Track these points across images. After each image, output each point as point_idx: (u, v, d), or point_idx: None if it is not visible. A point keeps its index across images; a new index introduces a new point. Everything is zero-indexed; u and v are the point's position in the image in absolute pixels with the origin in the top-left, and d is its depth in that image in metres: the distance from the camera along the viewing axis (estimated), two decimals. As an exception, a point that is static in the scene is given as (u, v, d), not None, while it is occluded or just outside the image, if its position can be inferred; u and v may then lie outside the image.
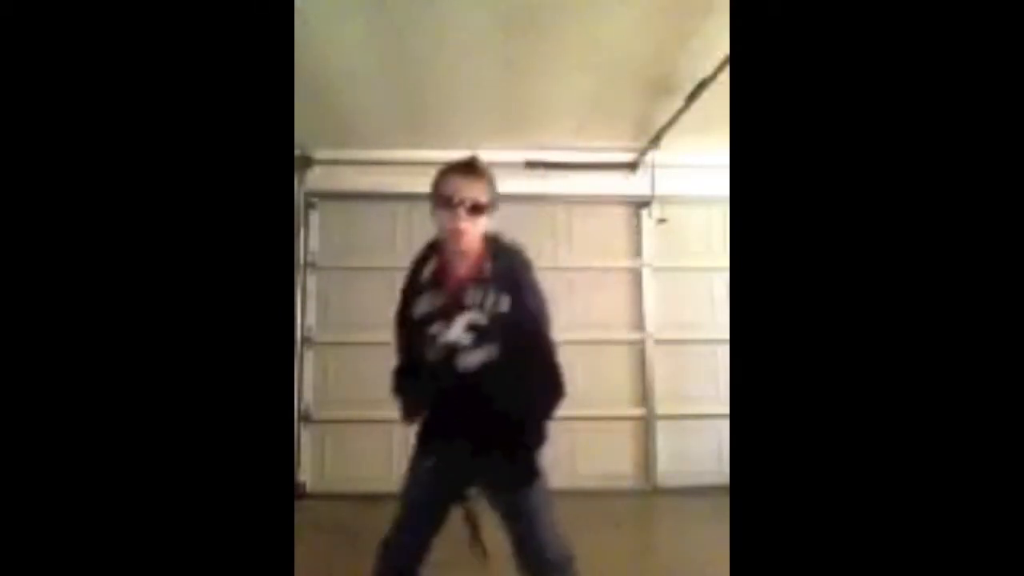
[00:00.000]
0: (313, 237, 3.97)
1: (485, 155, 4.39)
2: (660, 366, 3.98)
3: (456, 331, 1.38)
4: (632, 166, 3.96)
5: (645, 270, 4.06)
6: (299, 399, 3.81)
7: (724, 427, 3.60)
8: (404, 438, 3.87)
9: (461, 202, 1.36)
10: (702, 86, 2.83)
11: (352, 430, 3.83)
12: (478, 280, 1.39)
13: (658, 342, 3.99)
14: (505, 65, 2.89)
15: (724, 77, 2.64)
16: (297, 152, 3.80)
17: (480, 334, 1.37)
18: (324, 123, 3.52)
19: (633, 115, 3.47)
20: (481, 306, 1.38)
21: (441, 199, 1.39)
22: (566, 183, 3.97)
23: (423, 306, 1.43)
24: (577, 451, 3.78)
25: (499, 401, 1.37)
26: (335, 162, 3.91)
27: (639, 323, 4.00)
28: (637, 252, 4.07)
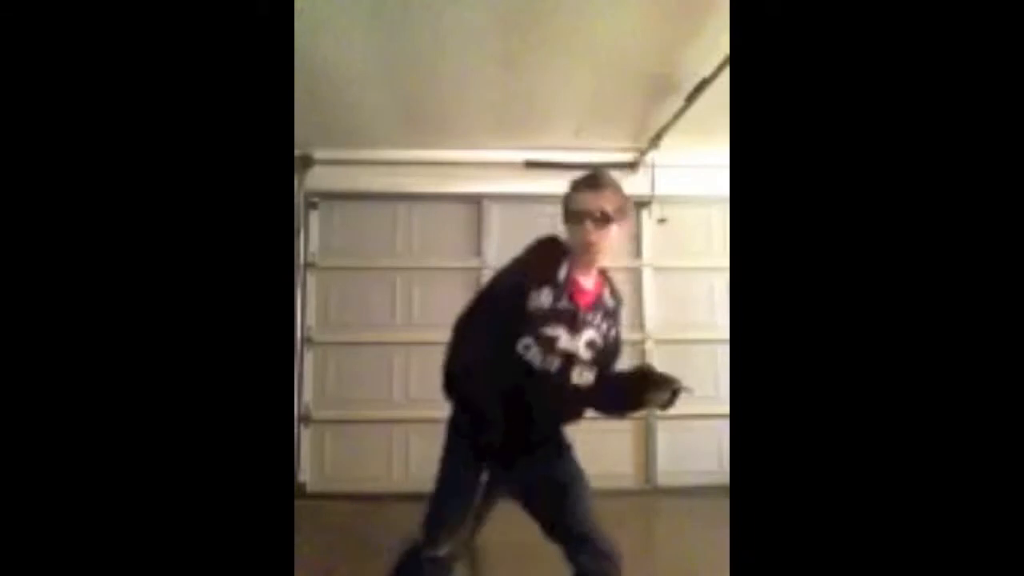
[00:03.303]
0: (313, 237, 3.97)
1: (485, 155, 4.36)
2: (660, 366, 3.96)
3: (580, 344, 1.39)
4: (632, 166, 3.96)
5: (645, 270, 4.06)
6: (299, 399, 3.81)
7: (724, 427, 3.60)
8: (404, 438, 3.90)
9: (588, 214, 1.39)
10: (702, 86, 2.83)
11: (352, 430, 3.82)
12: (601, 304, 1.45)
13: (658, 342, 3.99)
14: (505, 65, 2.88)
15: (724, 77, 2.64)
16: (297, 152, 3.80)
17: (596, 358, 1.42)
18: (324, 123, 3.51)
19: (633, 115, 3.47)
20: (599, 329, 1.43)
21: (569, 214, 1.44)
22: (566, 183, 3.96)
23: (543, 301, 1.36)
24: (577, 451, 3.77)
25: (568, 415, 1.46)
26: (335, 162, 3.91)
27: (639, 323, 4.00)
28: (637, 252, 4.07)
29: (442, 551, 1.37)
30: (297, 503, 3.39)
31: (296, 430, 3.76)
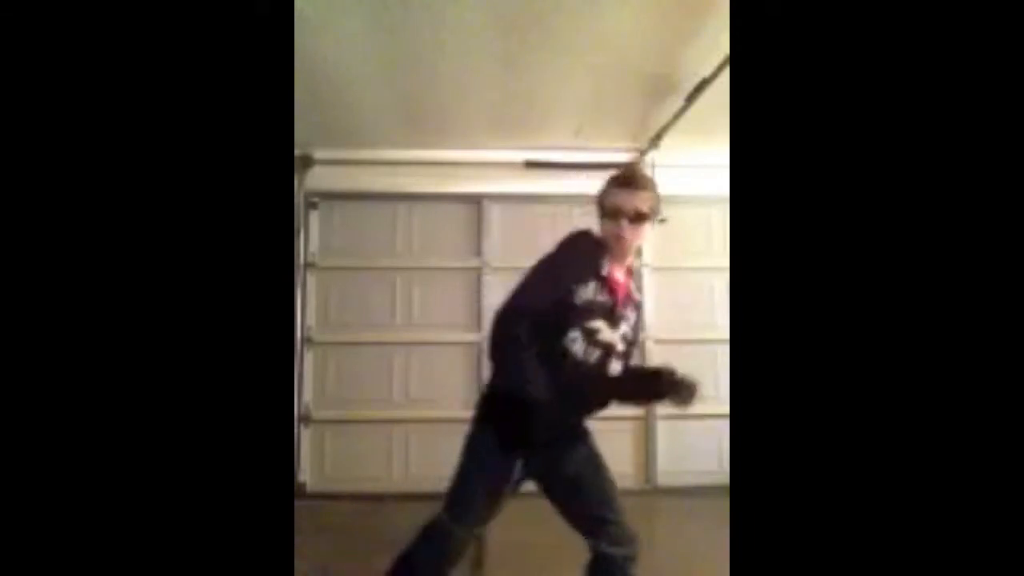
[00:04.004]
0: (313, 237, 3.97)
1: (485, 155, 4.36)
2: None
3: (618, 336, 1.45)
4: (632, 166, 3.96)
5: (645, 270, 4.06)
6: (299, 399, 3.81)
7: (724, 427, 3.60)
8: (404, 438, 3.91)
9: (624, 212, 1.44)
10: (702, 86, 2.83)
11: (352, 430, 3.82)
12: (631, 298, 1.52)
13: (658, 342, 3.99)
14: (505, 65, 2.88)
15: (724, 77, 2.64)
16: (297, 152, 3.80)
17: (626, 349, 1.49)
18: (324, 123, 3.51)
19: (633, 115, 3.47)
20: (629, 323, 1.50)
21: (605, 210, 1.48)
22: (566, 183, 3.97)
23: (587, 295, 1.40)
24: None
25: (598, 404, 1.48)
26: (335, 162, 3.91)
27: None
28: (637, 252, 4.06)
29: (467, 529, 1.38)
30: (297, 503, 3.38)
31: (296, 430, 3.76)
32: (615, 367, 1.46)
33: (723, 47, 2.42)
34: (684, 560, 2.61)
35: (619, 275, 1.49)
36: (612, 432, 3.98)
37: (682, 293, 4.06)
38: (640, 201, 1.45)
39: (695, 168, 3.90)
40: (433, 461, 3.85)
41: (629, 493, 3.83)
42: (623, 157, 3.93)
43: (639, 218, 1.45)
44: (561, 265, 1.42)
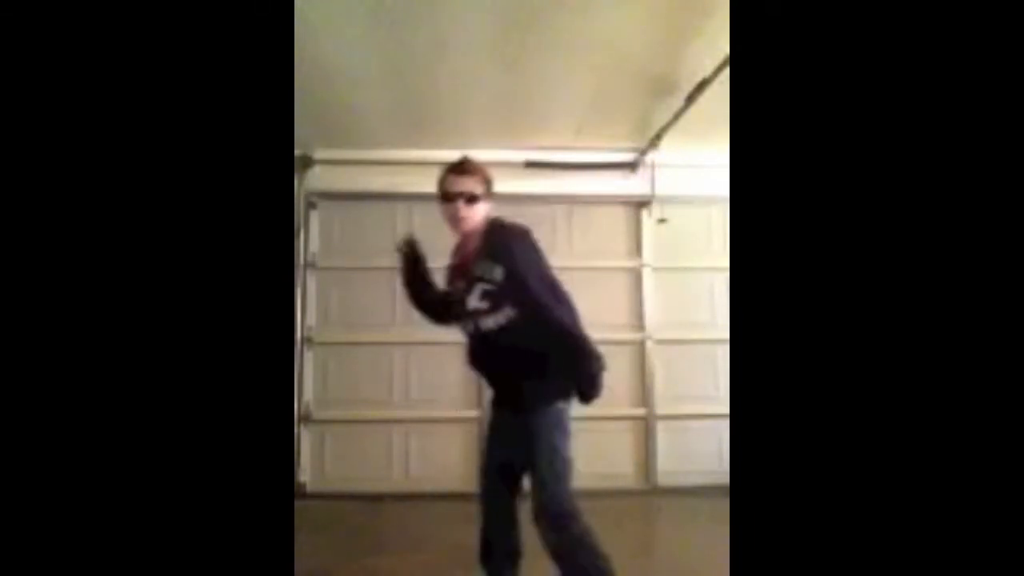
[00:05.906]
0: (313, 237, 3.97)
1: (485, 155, 4.41)
2: (660, 366, 3.98)
3: (473, 300, 1.63)
4: (632, 166, 3.96)
5: (645, 270, 4.06)
6: (299, 399, 3.81)
7: (724, 427, 3.60)
8: (404, 438, 3.91)
9: (459, 195, 1.66)
10: (702, 86, 2.83)
11: (352, 430, 3.82)
12: (476, 255, 1.65)
13: (658, 342, 3.99)
14: (505, 65, 2.89)
15: (724, 77, 2.64)
16: (297, 152, 3.80)
17: (494, 300, 1.60)
18: (324, 123, 3.51)
19: (633, 115, 3.47)
20: (484, 277, 1.62)
21: (443, 195, 1.71)
22: (566, 183, 3.96)
23: (456, 289, 1.71)
24: (577, 451, 3.77)
25: (514, 353, 1.60)
26: (335, 162, 3.91)
27: (639, 323, 4.00)
28: (637, 252, 4.07)
29: (492, 525, 1.59)
30: (297, 503, 3.38)
31: (296, 430, 3.76)
32: (488, 321, 1.61)
33: (723, 47, 2.42)
34: (684, 560, 2.61)
35: (467, 250, 1.69)
36: (612, 432, 4.00)
37: (682, 293, 4.06)
38: (471, 184, 1.67)
39: (695, 168, 3.90)
40: (433, 461, 3.86)
41: (629, 493, 3.85)
42: (623, 157, 3.94)
43: (472, 200, 1.67)
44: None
